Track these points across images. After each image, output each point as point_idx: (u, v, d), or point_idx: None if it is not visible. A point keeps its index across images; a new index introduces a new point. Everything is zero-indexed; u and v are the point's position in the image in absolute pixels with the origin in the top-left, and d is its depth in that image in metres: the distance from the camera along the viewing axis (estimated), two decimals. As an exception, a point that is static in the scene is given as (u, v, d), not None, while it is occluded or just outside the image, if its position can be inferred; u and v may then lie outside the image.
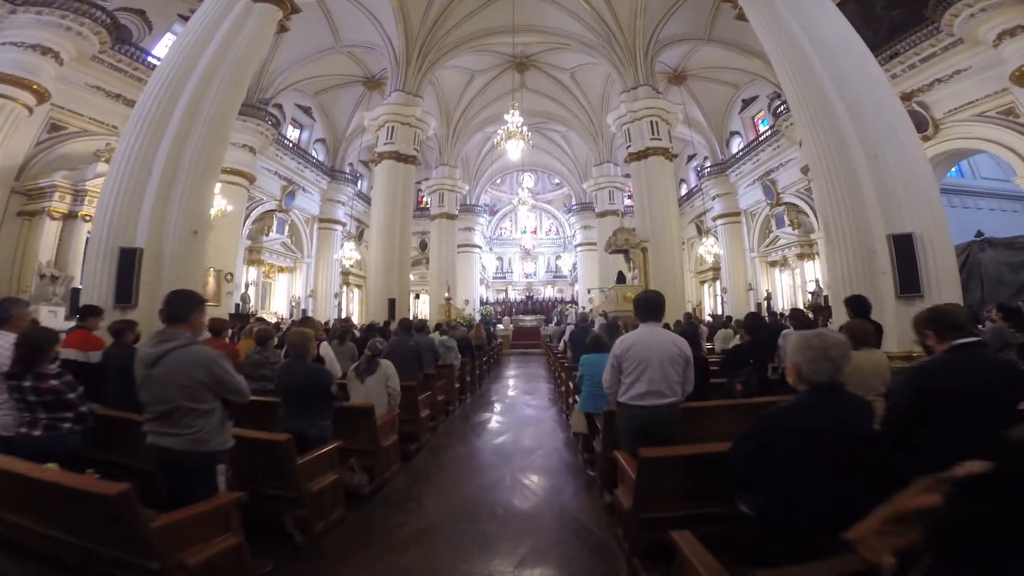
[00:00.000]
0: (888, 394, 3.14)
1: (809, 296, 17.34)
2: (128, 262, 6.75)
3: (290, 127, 20.73)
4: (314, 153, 22.03)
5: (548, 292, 34.24)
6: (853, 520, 1.46)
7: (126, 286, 6.66)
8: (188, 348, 2.50)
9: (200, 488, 2.48)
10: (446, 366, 8.17)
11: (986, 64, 10.78)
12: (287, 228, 20.94)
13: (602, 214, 24.00)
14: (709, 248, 20.34)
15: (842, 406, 1.81)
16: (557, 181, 32.14)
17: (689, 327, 5.85)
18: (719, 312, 22.25)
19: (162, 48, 13.51)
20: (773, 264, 20.53)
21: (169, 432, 2.47)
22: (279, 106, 19.05)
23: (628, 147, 16.32)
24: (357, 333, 8.93)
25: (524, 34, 16.21)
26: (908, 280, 6.12)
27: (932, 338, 2.22)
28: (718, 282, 23.66)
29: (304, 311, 20.79)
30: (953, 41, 11.20)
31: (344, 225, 23.71)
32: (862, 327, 3.42)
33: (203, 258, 8.21)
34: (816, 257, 17.84)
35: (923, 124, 11.60)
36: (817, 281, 17.23)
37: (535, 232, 34.96)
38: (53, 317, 10.96)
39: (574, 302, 29.62)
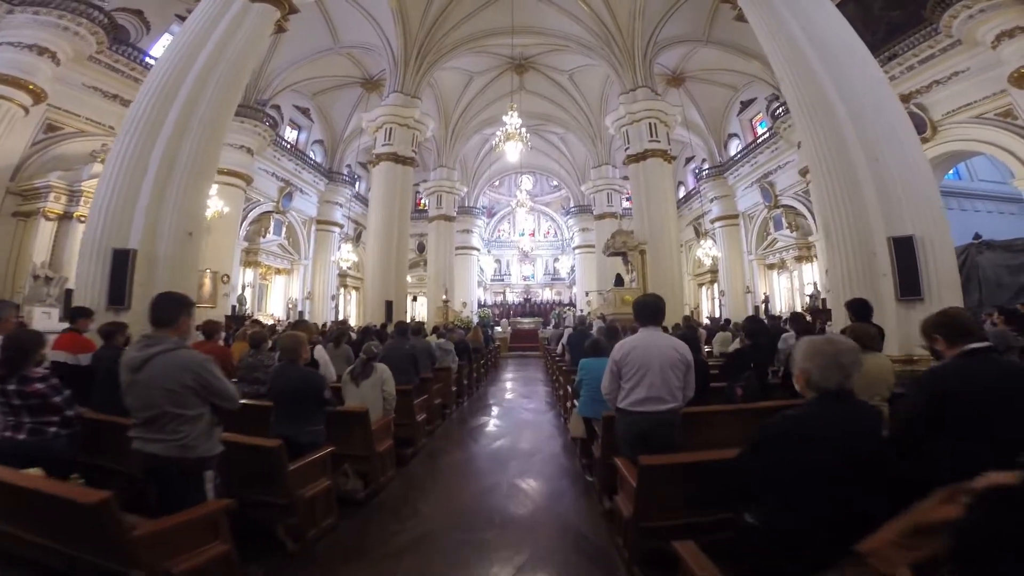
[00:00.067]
0: (894, 399, 3.09)
1: (807, 299, 17.32)
2: (121, 263, 6.68)
3: (288, 128, 20.67)
4: (312, 154, 21.99)
5: (546, 295, 34.22)
6: (863, 530, 1.41)
7: (119, 288, 6.59)
8: (175, 352, 2.43)
9: (188, 495, 2.41)
10: (443, 369, 8.11)
11: (984, 66, 10.77)
12: (284, 230, 20.87)
13: (600, 216, 24.02)
14: (707, 251, 20.31)
15: (852, 413, 1.75)
16: (555, 183, 32.15)
17: (688, 331, 5.79)
18: (717, 315, 22.22)
19: (160, 49, 13.45)
20: (771, 267, 20.52)
21: (155, 438, 2.40)
22: (277, 107, 18.99)
23: (627, 149, 16.29)
24: (353, 336, 8.85)
25: (523, 36, 16.17)
26: (909, 283, 6.08)
27: (942, 343, 2.17)
28: (716, 285, 23.65)
29: (301, 313, 20.72)
30: (952, 43, 11.19)
31: (342, 227, 23.64)
32: (865, 331, 3.37)
33: (198, 259, 8.15)
34: (814, 260, 17.80)
35: (921, 126, 11.58)
36: (815, 284, 17.22)
37: (533, 234, 34.93)
38: (47, 318, 10.87)
39: (572, 305, 29.58)
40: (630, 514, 2.92)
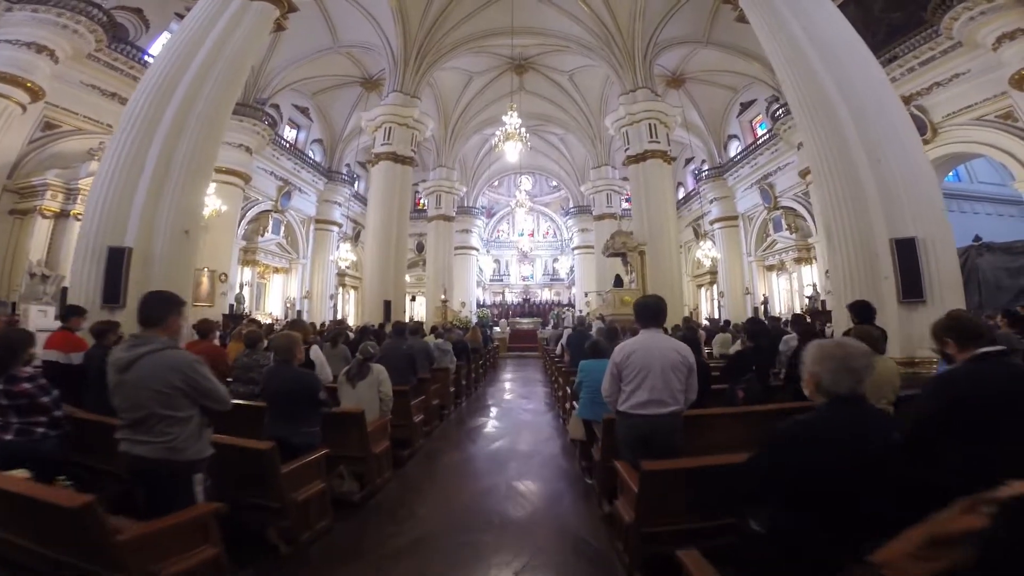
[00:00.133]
0: (899, 403, 3.04)
1: (807, 300, 17.29)
2: (117, 262, 6.63)
3: (287, 127, 20.63)
4: (311, 153, 21.94)
5: (545, 295, 34.19)
6: (873, 538, 1.36)
7: (114, 286, 6.54)
8: (163, 352, 2.37)
9: (177, 498, 2.35)
10: (441, 370, 8.05)
11: (985, 68, 10.76)
12: (283, 229, 20.84)
13: (600, 217, 24.00)
14: (706, 252, 20.29)
15: (864, 419, 1.70)
16: (555, 184, 32.13)
17: (689, 332, 5.74)
18: (716, 316, 22.19)
19: (159, 47, 13.38)
20: (770, 268, 20.51)
21: (143, 440, 2.34)
22: (276, 106, 18.95)
23: (626, 150, 16.27)
24: (351, 335, 8.80)
25: (523, 36, 16.12)
26: (910, 285, 6.04)
27: (952, 346, 2.12)
28: (715, 286, 23.63)
29: (299, 313, 20.66)
30: (952, 44, 11.18)
31: (340, 226, 23.61)
32: (870, 333, 3.31)
33: (195, 258, 8.10)
34: (814, 261, 17.80)
35: (921, 128, 11.54)
36: (814, 285, 17.19)
37: (532, 235, 34.89)
38: (43, 316, 10.81)
39: (571, 305, 29.56)
40: (631, 519, 2.86)
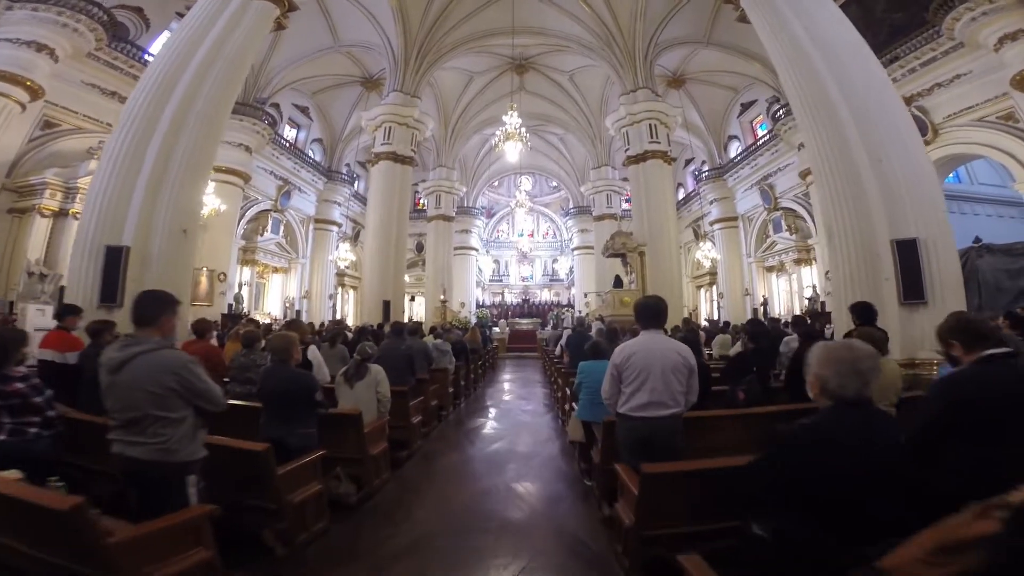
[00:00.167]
0: (901, 404, 3.02)
1: (806, 302, 17.26)
2: (114, 261, 6.60)
3: (287, 127, 20.60)
4: (311, 153, 21.91)
5: (545, 295, 34.14)
6: (878, 542, 1.34)
7: (112, 285, 6.50)
8: (157, 353, 2.33)
9: (169, 500, 2.31)
10: (440, 370, 8.01)
11: (987, 68, 10.74)
12: (282, 228, 20.81)
13: (599, 217, 23.98)
14: (706, 253, 20.27)
15: (870, 422, 1.66)
16: (555, 184, 32.09)
17: (690, 333, 5.71)
18: (715, 317, 22.16)
19: (160, 46, 13.34)
20: (770, 269, 20.49)
21: (135, 441, 2.30)
22: (276, 105, 18.92)
23: (626, 150, 16.23)
24: (350, 335, 8.77)
25: (523, 36, 16.10)
26: (912, 286, 6.00)
27: (959, 348, 2.09)
28: (715, 287, 23.61)
29: (298, 312, 20.63)
30: (954, 45, 11.16)
31: (340, 226, 23.58)
32: (872, 335, 3.28)
33: (193, 257, 8.06)
34: (813, 263, 17.79)
35: (922, 129, 11.51)
36: (814, 287, 17.17)
37: (532, 235, 34.81)
38: (41, 315, 10.77)
39: (571, 306, 29.52)
40: (631, 523, 2.83)
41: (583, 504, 4.25)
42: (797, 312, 17.31)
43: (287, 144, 19.99)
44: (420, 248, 26.58)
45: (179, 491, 2.34)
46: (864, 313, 4.25)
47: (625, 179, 20.21)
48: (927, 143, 11.61)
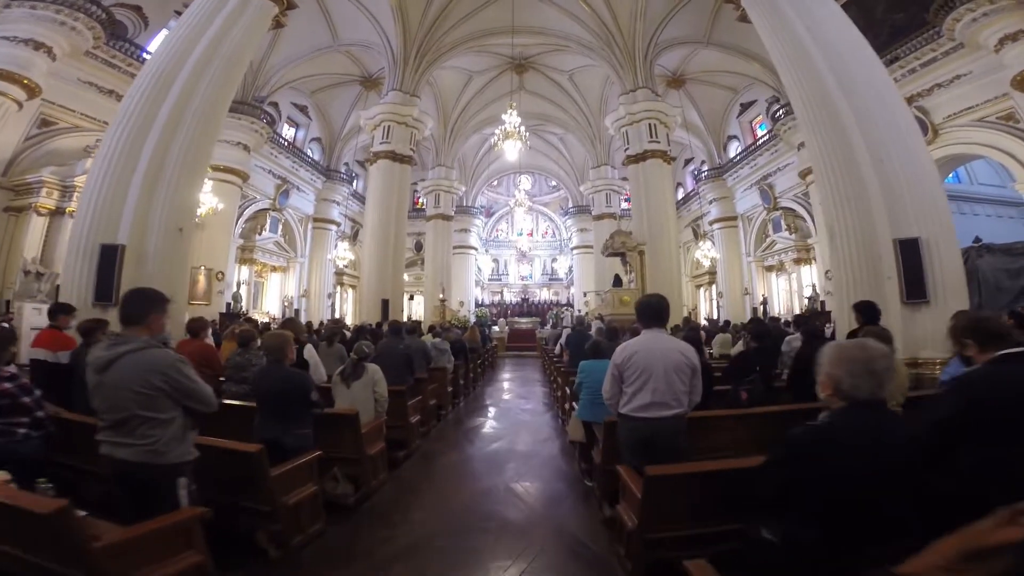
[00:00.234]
0: (907, 405, 2.97)
1: (806, 301, 17.25)
2: (109, 259, 6.53)
3: (285, 126, 20.53)
4: (309, 152, 21.84)
5: (544, 295, 34.12)
6: (891, 547, 1.29)
7: (107, 284, 6.43)
8: (144, 352, 2.27)
9: (159, 502, 2.26)
10: (438, 369, 7.96)
11: (987, 69, 10.74)
12: (280, 227, 20.74)
13: (599, 217, 23.95)
14: (705, 252, 20.26)
15: (883, 424, 1.61)
16: (554, 184, 32.07)
17: (691, 332, 5.65)
18: (715, 316, 22.14)
19: (158, 44, 13.32)
20: (769, 269, 20.48)
21: (124, 442, 2.24)
22: (275, 104, 18.87)
23: (626, 150, 16.20)
24: (348, 334, 8.71)
25: (523, 35, 16.04)
26: (914, 285, 5.96)
27: (973, 348, 2.04)
28: (714, 286, 23.59)
29: (296, 311, 20.58)
30: (954, 46, 11.16)
31: (339, 225, 23.54)
32: (880, 334, 3.23)
33: (188, 256, 8.00)
34: (813, 262, 17.79)
35: (922, 129, 11.48)
36: (814, 286, 17.16)
37: (531, 234, 34.83)
38: (37, 315, 10.69)
39: (570, 305, 29.50)
40: (634, 525, 2.77)
41: (584, 505, 4.20)
42: (797, 311, 17.31)
43: (286, 143, 19.93)
44: (419, 247, 26.54)
45: (169, 493, 2.28)
46: (868, 312, 4.21)
47: (624, 178, 20.17)
48: (927, 143, 11.57)
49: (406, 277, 18.87)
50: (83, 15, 10.92)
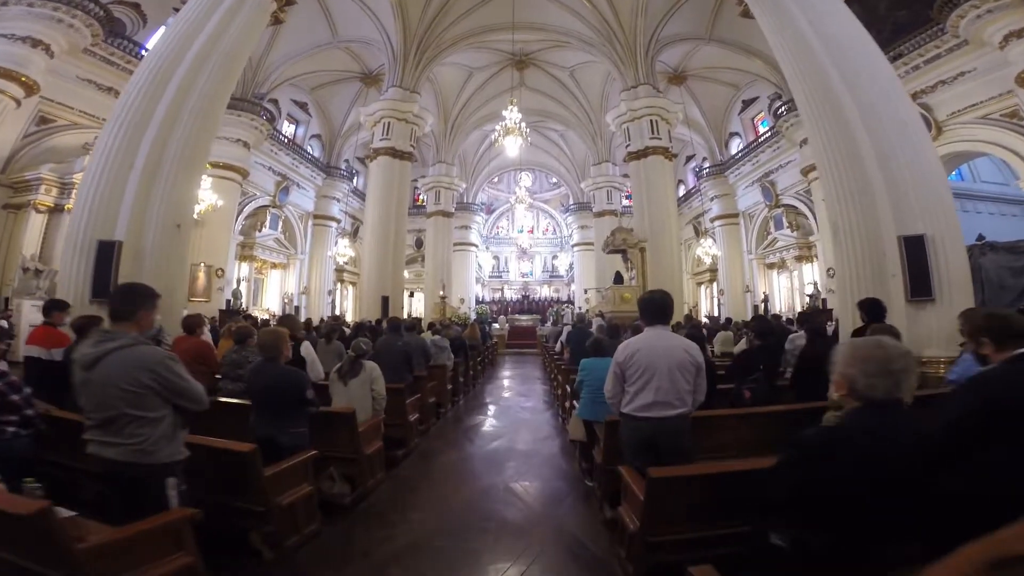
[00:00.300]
0: (927, 404, 2.91)
1: (807, 299, 17.19)
2: (106, 256, 6.46)
3: (285, 122, 20.49)
4: (310, 149, 21.79)
5: (544, 292, 34.07)
6: (907, 553, 1.24)
7: (104, 280, 6.37)
8: (132, 349, 2.20)
9: (148, 503, 2.20)
10: (438, 367, 7.91)
11: (991, 66, 10.69)
12: (280, 224, 20.70)
13: (600, 214, 23.88)
14: (707, 249, 20.20)
15: (900, 425, 1.54)
16: (555, 180, 31.97)
17: (694, 330, 5.60)
18: (715, 314, 22.09)
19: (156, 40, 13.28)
20: (771, 266, 20.42)
21: (111, 441, 2.18)
22: (275, 101, 18.82)
23: (627, 146, 16.14)
24: (347, 331, 8.67)
25: (524, 31, 16.00)
26: (919, 283, 5.88)
27: (989, 346, 1.98)
28: (715, 284, 23.54)
29: (297, 308, 20.57)
30: (958, 43, 11.11)
31: (339, 222, 23.50)
32: (890, 332, 3.16)
33: (187, 252, 7.94)
34: (814, 260, 17.74)
35: (926, 126, 11.44)
36: (815, 284, 17.10)
37: (532, 231, 34.84)
38: (36, 312, 10.64)
39: (570, 302, 29.45)
40: (636, 528, 2.71)
41: (584, 505, 4.15)
42: (798, 309, 17.26)
43: (286, 140, 19.89)
44: (419, 244, 26.49)
45: (158, 494, 2.22)
46: (873, 309, 4.15)
47: (626, 175, 20.12)
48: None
49: (406, 274, 18.82)
50: (81, 12, 10.90)
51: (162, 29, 13.62)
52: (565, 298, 31.83)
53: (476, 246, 30.59)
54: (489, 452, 5.98)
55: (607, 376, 3.24)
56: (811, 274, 17.98)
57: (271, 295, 20.88)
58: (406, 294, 19.33)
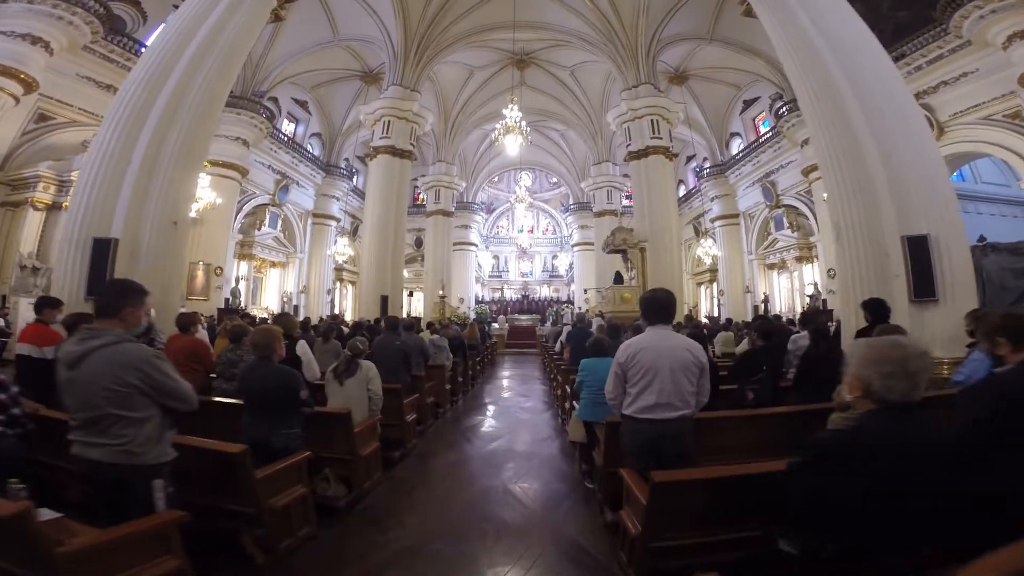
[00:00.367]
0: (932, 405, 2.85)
1: (807, 299, 17.15)
2: (102, 253, 6.39)
3: (285, 121, 20.45)
4: (309, 147, 21.73)
5: (544, 292, 34.02)
6: (923, 561, 1.19)
7: (99, 278, 6.28)
8: (118, 346, 2.13)
9: (134, 505, 2.14)
10: (437, 367, 7.85)
11: (994, 67, 10.67)
12: (280, 223, 20.64)
13: (600, 214, 23.84)
14: (707, 250, 20.15)
15: (917, 428, 1.48)
16: (555, 180, 31.94)
17: (695, 330, 5.53)
18: (715, 314, 22.05)
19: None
20: (771, 267, 20.39)
21: (96, 442, 2.11)
22: (275, 99, 18.78)
23: (628, 145, 16.09)
24: (345, 330, 8.60)
25: (525, 30, 15.96)
26: (923, 283, 5.82)
27: (1006, 347, 1.92)
28: (715, 284, 23.49)
29: (296, 307, 20.51)
30: (961, 43, 11.09)
31: (338, 220, 23.46)
32: (896, 332, 3.10)
33: (184, 250, 7.89)
34: (815, 260, 17.70)
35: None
36: (816, 284, 17.06)
37: (532, 231, 34.80)
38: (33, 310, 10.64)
39: (570, 302, 29.40)
40: (638, 532, 2.64)
41: (584, 507, 4.08)
42: (798, 310, 17.22)
43: (285, 138, 19.85)
44: (419, 243, 26.44)
45: (143, 496, 2.15)
46: (877, 310, 4.09)
47: (626, 175, 20.08)
48: (933, 141, 11.48)
49: (406, 273, 18.77)
50: (81, 10, 10.86)
51: (162, 27, 13.59)
52: (565, 298, 31.79)
53: (476, 246, 30.54)
54: (488, 453, 5.91)
55: (608, 377, 3.16)
56: (811, 275, 17.94)
57: (270, 294, 20.82)
58: (405, 293, 19.29)
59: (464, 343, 10.13)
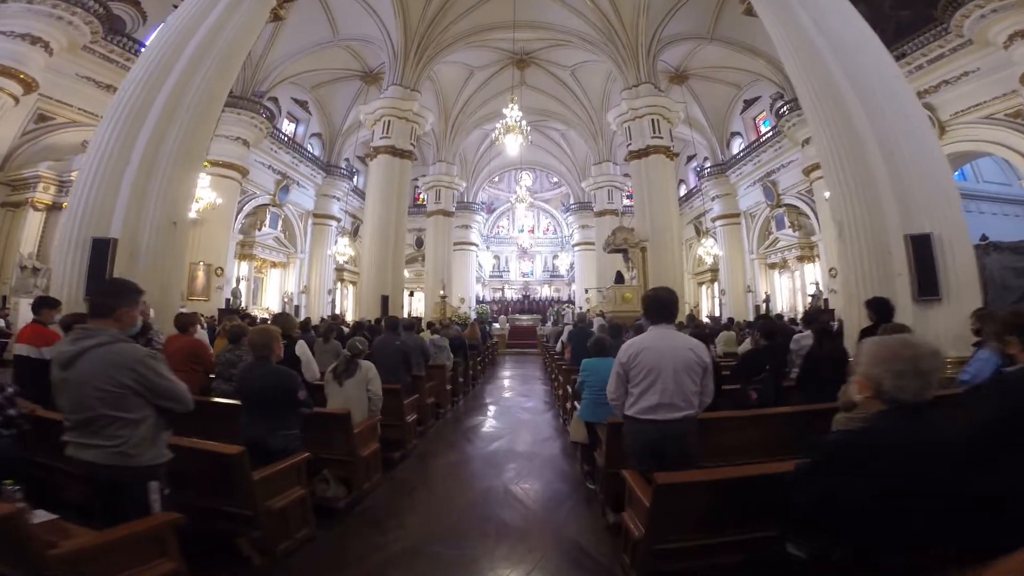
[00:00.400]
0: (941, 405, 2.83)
1: (809, 299, 17.13)
2: (101, 253, 6.38)
3: (285, 121, 20.45)
4: (310, 148, 21.73)
5: (545, 292, 34.01)
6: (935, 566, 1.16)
7: (98, 278, 6.25)
8: (112, 346, 2.10)
9: (129, 507, 2.11)
10: (437, 367, 7.82)
11: (995, 66, 10.66)
12: (280, 223, 20.64)
13: (600, 213, 23.82)
14: (708, 249, 20.13)
15: (929, 429, 1.45)
16: (555, 180, 31.93)
17: (697, 330, 5.50)
18: (716, 314, 22.03)
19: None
20: (772, 266, 20.37)
21: (90, 443, 2.08)
22: (275, 99, 18.78)
23: (628, 145, 16.08)
24: (345, 331, 8.58)
25: (525, 30, 15.96)
26: (926, 282, 5.79)
27: (1015, 346, 1.89)
28: (716, 284, 23.47)
29: (296, 308, 20.49)
30: (962, 42, 11.08)
31: (339, 221, 23.46)
32: (901, 331, 3.07)
33: (184, 250, 7.88)
34: (816, 259, 17.69)
35: (930, 125, 11.40)
36: (817, 283, 17.03)
37: (532, 231, 34.79)
38: (32, 310, 10.63)
39: (571, 302, 29.39)
40: (641, 535, 2.60)
41: (586, 509, 4.04)
42: (800, 309, 17.19)
43: (286, 138, 19.85)
44: (420, 243, 26.43)
45: (138, 498, 2.12)
46: (881, 308, 4.05)
47: (627, 175, 20.07)
48: (933, 140, 11.46)
49: (406, 273, 18.76)
50: (81, 10, 10.88)
51: (161, 26, 13.57)
52: (566, 298, 31.77)
53: (476, 245, 30.53)
54: (489, 454, 5.88)
55: (610, 377, 3.13)
56: (813, 274, 17.92)
57: (271, 294, 20.82)
58: (406, 293, 19.26)
59: (465, 343, 10.11)
